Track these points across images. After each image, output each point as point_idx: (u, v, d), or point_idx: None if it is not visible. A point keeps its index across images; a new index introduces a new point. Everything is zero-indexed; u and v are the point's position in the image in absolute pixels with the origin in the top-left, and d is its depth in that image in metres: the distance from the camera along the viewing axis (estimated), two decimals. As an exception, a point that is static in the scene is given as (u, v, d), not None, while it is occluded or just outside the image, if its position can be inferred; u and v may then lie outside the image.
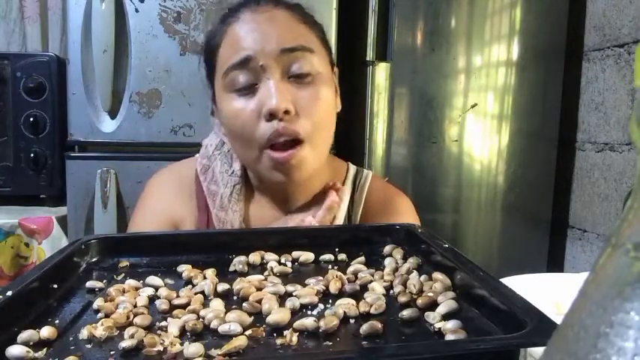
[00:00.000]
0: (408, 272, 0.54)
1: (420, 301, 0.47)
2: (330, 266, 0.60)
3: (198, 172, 0.82)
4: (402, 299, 0.48)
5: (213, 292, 0.51)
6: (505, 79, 1.58)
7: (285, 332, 0.41)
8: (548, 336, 0.19)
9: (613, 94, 1.54)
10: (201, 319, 0.44)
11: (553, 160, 1.66)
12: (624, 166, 1.50)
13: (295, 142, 0.70)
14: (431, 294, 0.48)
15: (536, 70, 1.60)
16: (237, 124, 0.72)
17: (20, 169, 1.45)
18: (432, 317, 0.44)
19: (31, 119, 1.42)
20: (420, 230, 0.64)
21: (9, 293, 0.44)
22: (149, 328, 0.43)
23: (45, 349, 0.40)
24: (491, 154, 1.59)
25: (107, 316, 0.45)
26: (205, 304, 0.48)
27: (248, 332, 0.42)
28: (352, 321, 0.45)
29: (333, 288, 0.51)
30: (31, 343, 0.40)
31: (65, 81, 1.35)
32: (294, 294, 0.49)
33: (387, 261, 0.59)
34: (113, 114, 1.35)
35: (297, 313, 0.46)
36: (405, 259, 0.59)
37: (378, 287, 0.51)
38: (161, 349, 0.39)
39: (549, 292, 0.59)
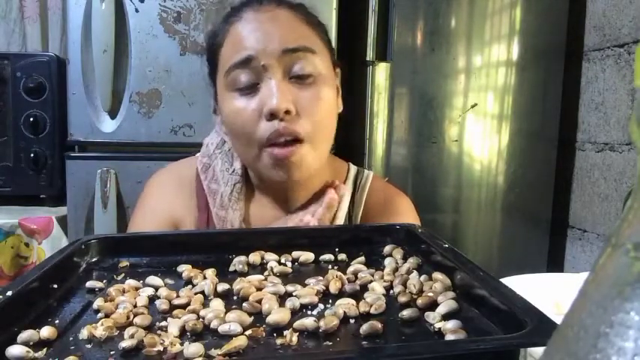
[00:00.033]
0: (408, 272, 0.54)
1: (420, 301, 0.47)
2: (330, 266, 0.60)
3: (198, 171, 0.82)
4: (402, 299, 0.48)
5: (213, 292, 0.51)
6: (505, 79, 1.58)
7: (285, 332, 0.41)
8: (548, 336, 0.19)
9: (613, 94, 1.54)
10: (201, 319, 0.44)
11: (553, 160, 1.66)
12: (624, 166, 1.50)
13: (295, 140, 0.70)
14: (431, 294, 0.48)
15: (536, 70, 1.60)
16: (237, 123, 0.72)
17: (20, 169, 1.45)
18: (432, 317, 0.44)
19: (31, 119, 1.42)
20: (420, 230, 0.64)
21: (9, 293, 0.44)
22: (149, 328, 0.43)
23: (45, 349, 0.40)
24: (491, 154, 1.59)
25: (107, 316, 0.45)
26: (205, 304, 0.48)
27: (248, 332, 0.42)
28: (352, 321, 0.45)
29: (333, 288, 0.51)
30: (31, 343, 0.40)
31: (65, 81, 1.35)
32: (294, 294, 0.49)
33: (387, 261, 0.59)
34: (113, 114, 1.35)
35: (297, 313, 0.46)
36: (405, 259, 0.59)
37: (378, 287, 0.51)
38: (161, 349, 0.39)
39: (549, 292, 0.59)
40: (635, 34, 1.47)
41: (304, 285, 0.52)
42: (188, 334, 0.43)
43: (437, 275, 0.52)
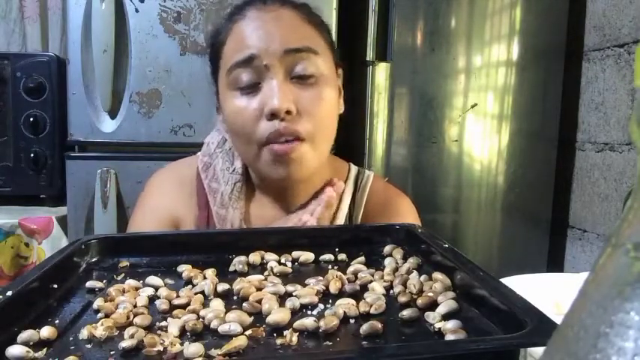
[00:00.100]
0: (408, 272, 0.54)
1: (420, 301, 0.47)
2: (330, 266, 0.60)
3: (199, 170, 0.82)
4: (402, 299, 0.48)
5: (213, 292, 0.51)
6: (505, 79, 1.58)
7: (285, 332, 0.41)
8: (548, 336, 0.19)
9: (613, 94, 1.54)
10: (201, 319, 0.44)
11: (553, 160, 1.66)
12: (624, 166, 1.50)
13: (296, 139, 0.70)
14: (431, 294, 0.48)
15: (536, 70, 1.60)
16: (238, 122, 0.72)
17: (20, 169, 1.45)
18: (432, 317, 0.44)
19: (31, 119, 1.42)
20: (420, 230, 0.64)
21: (9, 293, 0.44)
22: (149, 328, 0.43)
23: (45, 349, 0.40)
24: (491, 154, 1.59)
25: (107, 316, 0.45)
26: (205, 304, 0.48)
27: (248, 332, 0.42)
28: (352, 321, 0.45)
29: (333, 288, 0.51)
30: (31, 343, 0.40)
31: (65, 81, 1.35)
32: (294, 294, 0.49)
33: (387, 261, 0.59)
34: (113, 114, 1.35)
35: (297, 313, 0.46)
36: (405, 259, 0.59)
37: (378, 287, 0.51)
38: (161, 349, 0.39)
39: (549, 292, 0.59)
40: (635, 34, 1.47)
41: (304, 285, 0.52)
42: (188, 334, 0.42)
43: (437, 275, 0.52)
